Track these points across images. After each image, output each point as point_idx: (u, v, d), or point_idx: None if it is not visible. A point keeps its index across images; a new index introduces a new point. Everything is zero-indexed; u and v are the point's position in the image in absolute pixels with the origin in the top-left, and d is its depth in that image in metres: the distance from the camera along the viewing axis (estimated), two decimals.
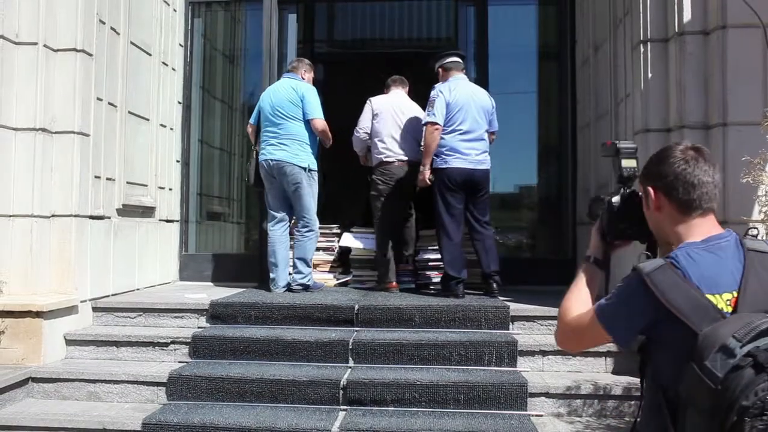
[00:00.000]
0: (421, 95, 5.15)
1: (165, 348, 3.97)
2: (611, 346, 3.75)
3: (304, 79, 5.03)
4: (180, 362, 3.91)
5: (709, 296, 1.35)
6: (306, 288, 4.79)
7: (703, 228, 1.47)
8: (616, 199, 1.72)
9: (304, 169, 4.78)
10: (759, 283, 1.37)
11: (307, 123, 4.80)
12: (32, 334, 3.76)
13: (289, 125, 4.79)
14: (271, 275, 4.85)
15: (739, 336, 1.24)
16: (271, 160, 4.77)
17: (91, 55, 4.32)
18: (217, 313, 4.23)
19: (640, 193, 1.60)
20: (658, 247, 1.62)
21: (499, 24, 6.10)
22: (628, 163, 1.70)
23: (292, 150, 4.76)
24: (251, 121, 5.06)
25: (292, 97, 4.82)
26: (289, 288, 4.82)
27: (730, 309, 1.35)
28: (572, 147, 5.70)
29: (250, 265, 5.78)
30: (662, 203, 1.51)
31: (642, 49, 3.84)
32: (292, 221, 5.05)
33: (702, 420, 1.27)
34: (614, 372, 3.75)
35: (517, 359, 3.77)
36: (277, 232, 4.89)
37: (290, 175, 4.74)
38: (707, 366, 1.25)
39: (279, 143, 4.78)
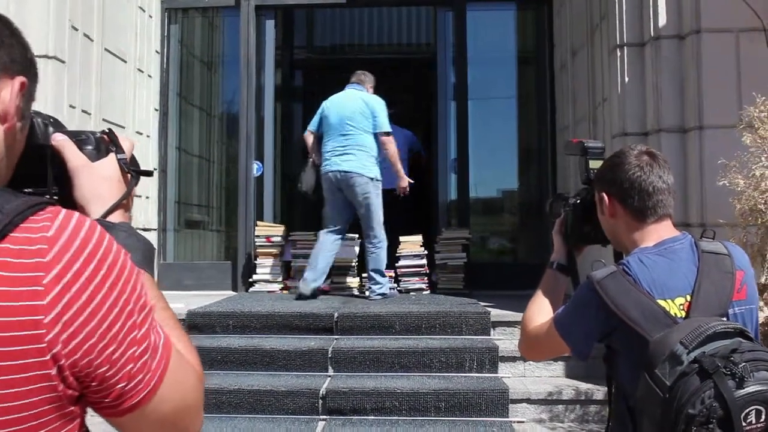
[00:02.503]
0: (398, 101, 5.16)
1: None
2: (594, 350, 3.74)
3: (369, 92, 4.97)
4: None
5: (661, 302, 1.33)
6: (384, 296, 4.73)
7: (658, 234, 1.45)
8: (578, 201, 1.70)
9: (372, 179, 4.71)
10: (712, 285, 1.35)
11: (375, 135, 4.77)
12: None
13: (359, 137, 4.73)
14: (306, 274, 4.74)
15: (686, 342, 1.22)
16: (339, 171, 4.69)
17: (63, 62, 4.25)
18: (194, 323, 4.16)
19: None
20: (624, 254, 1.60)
21: (478, 29, 6.12)
22: (595, 164, 1.67)
23: (360, 161, 4.69)
24: (311, 128, 4.97)
25: (364, 109, 4.76)
26: (313, 294, 4.71)
27: (683, 314, 1.32)
28: (552, 151, 5.71)
29: (229, 273, 5.73)
30: (617, 210, 1.49)
31: (618, 54, 3.85)
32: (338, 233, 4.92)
33: (654, 430, 1.25)
34: (595, 376, 3.73)
35: (499, 365, 3.74)
36: (330, 238, 4.81)
37: (359, 186, 4.67)
38: (657, 374, 1.23)
39: (347, 154, 4.71)
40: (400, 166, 4.82)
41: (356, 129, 4.74)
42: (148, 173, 0.97)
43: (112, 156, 0.91)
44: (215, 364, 3.79)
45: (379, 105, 4.80)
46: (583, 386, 3.56)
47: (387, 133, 4.75)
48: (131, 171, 0.92)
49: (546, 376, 3.76)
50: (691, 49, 3.55)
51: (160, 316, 0.82)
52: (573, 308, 1.49)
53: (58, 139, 0.87)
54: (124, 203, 0.90)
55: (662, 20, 3.61)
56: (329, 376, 3.71)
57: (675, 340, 1.25)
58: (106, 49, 4.86)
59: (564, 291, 1.74)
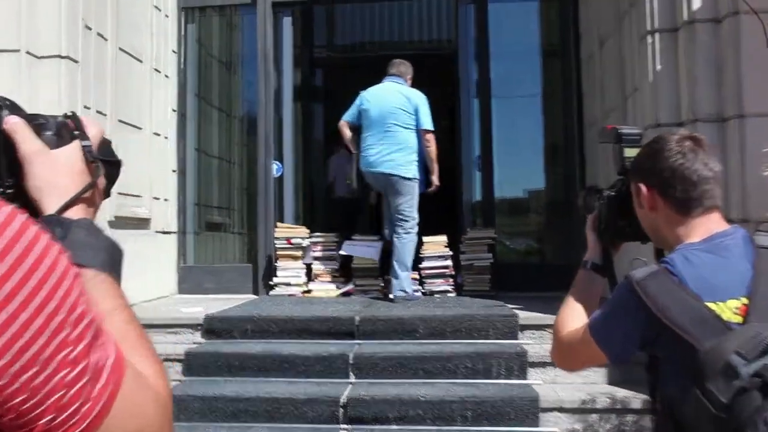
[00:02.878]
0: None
1: None
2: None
3: (408, 83, 4.79)
4: (173, 381, 3.72)
5: (710, 304, 1.16)
6: (405, 294, 4.57)
7: (705, 227, 1.28)
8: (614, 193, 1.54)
9: (411, 179, 4.60)
10: None
11: (417, 132, 4.60)
12: None
13: (400, 135, 4.57)
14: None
15: (744, 352, 1.05)
16: (381, 173, 4.59)
17: (76, 61, 4.17)
18: (212, 327, 4.06)
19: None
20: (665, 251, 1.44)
21: (501, 22, 5.93)
22: (631, 153, 1.51)
23: (399, 160, 4.56)
24: (348, 119, 4.79)
25: (406, 105, 4.60)
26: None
27: (738, 318, 1.15)
28: (580, 146, 5.50)
29: (250, 276, 5.63)
30: (657, 203, 1.33)
31: (649, 40, 3.65)
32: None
33: None
34: (632, 381, 3.53)
35: (528, 371, 3.56)
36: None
37: (401, 186, 4.58)
38: (710, 389, 1.06)
39: (387, 153, 4.58)
40: (437, 166, 4.68)
41: (398, 126, 4.58)
42: (117, 164, 0.82)
43: (75, 143, 0.77)
44: (233, 370, 3.68)
45: (422, 100, 4.63)
46: (620, 393, 3.36)
47: (430, 131, 4.60)
48: (97, 160, 0.78)
49: (578, 383, 3.56)
50: (728, 33, 3.33)
51: (119, 329, 0.67)
52: (610, 312, 1.33)
53: (11, 123, 0.73)
54: (87, 197, 0.76)
55: (697, 3, 3.39)
56: (350, 383, 3.56)
57: (730, 350, 1.08)
58: (120, 49, 4.78)
59: (600, 293, 1.58)
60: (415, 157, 4.62)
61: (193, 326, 4.12)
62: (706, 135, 3.39)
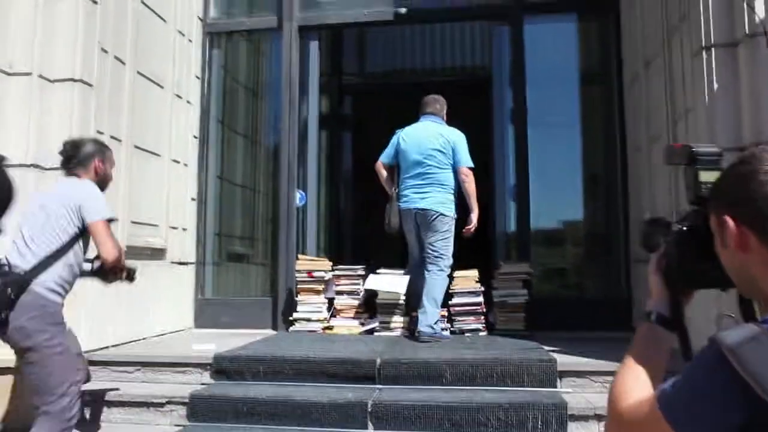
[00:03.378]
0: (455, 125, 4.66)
1: (160, 409, 3.50)
2: None
3: (444, 120, 4.74)
4: (176, 426, 3.42)
5: None
6: (433, 332, 4.32)
7: None
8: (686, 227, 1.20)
9: (448, 216, 4.52)
10: None
11: (454, 170, 4.55)
12: (4, 391, 3.34)
13: (438, 175, 4.54)
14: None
15: None
16: (418, 209, 4.54)
17: (90, 85, 4.00)
18: (221, 367, 3.76)
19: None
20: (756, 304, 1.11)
21: (537, 44, 5.63)
22: (709, 177, 1.18)
23: (438, 198, 4.52)
24: (385, 160, 4.75)
25: (445, 146, 4.55)
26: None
27: None
28: (623, 176, 5.11)
29: (269, 310, 5.34)
30: (749, 240, 1.01)
31: (705, 56, 3.29)
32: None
33: None
34: None
35: (568, 425, 3.15)
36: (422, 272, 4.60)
37: (438, 223, 4.50)
38: None
39: (425, 192, 4.55)
40: (476, 204, 4.53)
41: (436, 167, 4.54)
42: None
43: None
44: (241, 416, 3.35)
45: (460, 139, 4.58)
46: None
47: (470, 168, 4.54)
48: None
49: None
50: None
51: None
52: (690, 386, 0.99)
53: None
54: None
55: (761, 13, 3.03)
56: None
57: None
58: (139, 73, 4.62)
59: (668, 354, 1.23)
60: (452, 196, 4.57)
61: (202, 366, 3.83)
62: None
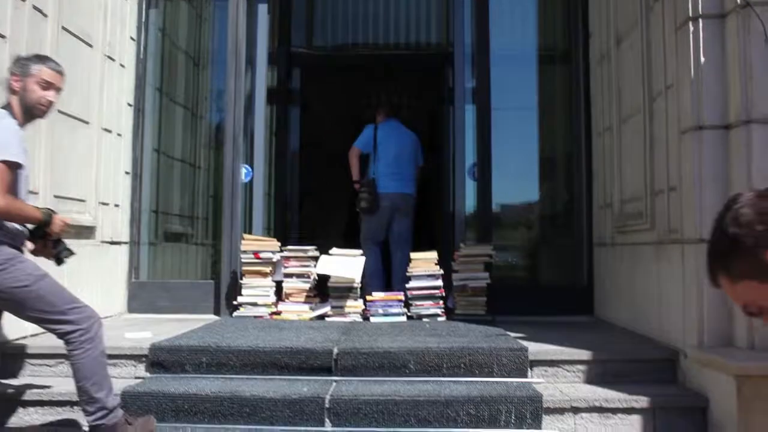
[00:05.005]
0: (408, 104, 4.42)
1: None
2: (661, 400, 2.95)
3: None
4: None
5: None
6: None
7: None
8: None
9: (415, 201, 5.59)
10: None
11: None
12: None
13: (409, 167, 5.56)
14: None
15: None
16: (400, 193, 5.43)
17: (3, 36, 3.48)
18: (159, 359, 3.35)
19: None
20: None
21: (500, 19, 5.38)
22: None
23: (410, 186, 5.54)
24: (361, 147, 5.54)
25: (414, 145, 5.64)
26: None
27: None
28: (587, 156, 4.93)
29: (211, 293, 4.93)
30: None
31: (691, 28, 3.08)
32: None
33: None
34: None
35: (542, 418, 2.93)
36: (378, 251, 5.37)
37: (411, 207, 5.53)
38: None
39: (401, 180, 5.47)
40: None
41: (408, 161, 5.56)
42: None
43: None
44: (181, 415, 2.97)
45: (419, 141, 5.74)
46: None
47: (420, 168, 5.70)
48: None
49: None
50: None
51: None
52: None
53: None
54: None
55: None
56: None
57: None
58: (64, 29, 4.09)
59: None
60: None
61: (136, 357, 3.42)
62: (762, 139, 2.85)
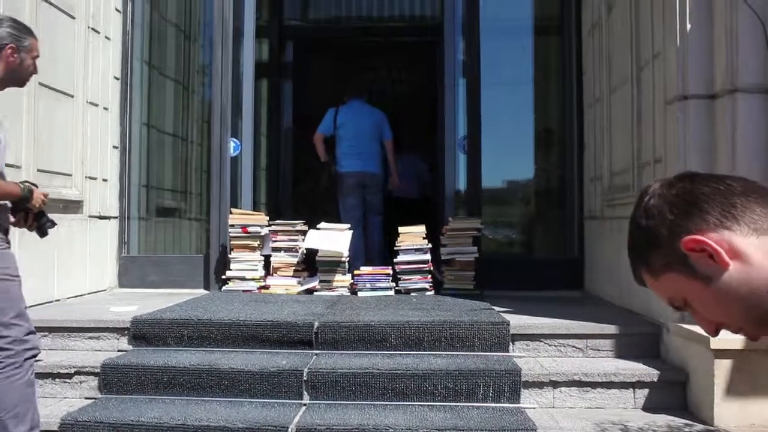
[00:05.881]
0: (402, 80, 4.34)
1: (68, 381, 3.08)
2: (641, 375, 2.93)
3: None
4: (86, 399, 3.02)
5: None
6: None
7: None
8: None
9: (383, 176, 5.74)
10: None
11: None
12: None
13: (371, 145, 5.64)
14: None
15: None
16: (362, 171, 5.57)
17: None
18: (141, 332, 3.36)
19: None
20: None
21: None
22: None
23: (375, 162, 5.65)
24: (324, 132, 5.68)
25: (376, 123, 5.69)
26: None
27: None
28: (579, 129, 4.86)
29: (201, 268, 4.92)
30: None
31: None
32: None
33: None
34: (646, 408, 2.91)
35: (521, 392, 2.92)
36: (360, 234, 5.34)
37: (377, 185, 5.68)
38: None
39: (363, 158, 5.57)
40: (396, 167, 5.80)
41: (372, 140, 5.64)
42: None
43: None
44: (161, 387, 2.98)
45: (385, 117, 5.77)
46: (632, 423, 2.74)
47: (391, 142, 5.74)
48: None
49: (582, 407, 2.93)
50: None
51: None
52: None
53: None
54: None
55: None
56: (304, 404, 2.89)
57: None
58: None
59: None
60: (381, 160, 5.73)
61: (119, 330, 3.42)
62: (748, 109, 2.78)
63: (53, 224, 2.77)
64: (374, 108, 5.82)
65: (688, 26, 2.95)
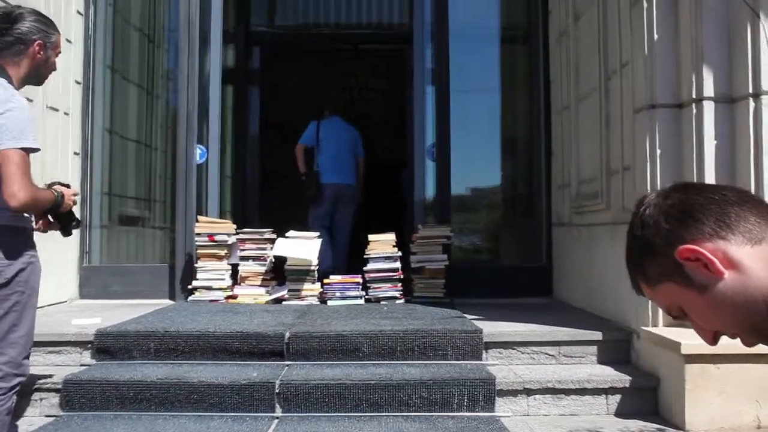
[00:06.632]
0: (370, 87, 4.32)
1: (27, 398, 2.96)
2: (614, 381, 2.95)
3: None
4: (47, 417, 2.91)
5: None
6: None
7: None
8: None
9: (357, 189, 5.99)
10: None
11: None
12: None
13: (348, 159, 5.92)
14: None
15: None
16: (341, 183, 5.81)
17: None
18: (105, 345, 3.25)
19: None
20: None
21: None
22: None
23: (351, 175, 5.91)
24: (305, 143, 5.87)
25: (354, 139, 6.01)
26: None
27: None
28: (546, 137, 4.91)
29: (166, 277, 4.81)
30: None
31: (645, 5, 3.06)
32: None
33: None
34: (619, 414, 2.93)
35: (495, 401, 2.91)
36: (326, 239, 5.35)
37: (352, 196, 5.91)
38: None
39: (343, 171, 5.84)
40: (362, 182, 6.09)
41: (349, 154, 5.95)
42: None
43: None
44: (127, 403, 2.88)
45: (359, 136, 6.11)
46: (606, 429, 2.75)
47: (363, 160, 6.08)
48: None
49: (556, 414, 2.94)
50: None
51: None
52: None
53: None
54: None
55: None
56: (276, 417, 2.83)
57: None
58: None
59: None
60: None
61: (81, 344, 3.30)
62: (712, 118, 2.84)
63: (78, 224, 2.59)
64: (351, 125, 6.07)
65: (656, 36, 3.00)
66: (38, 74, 2.33)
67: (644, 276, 0.89)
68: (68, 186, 2.46)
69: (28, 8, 2.41)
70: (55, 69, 2.41)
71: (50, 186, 2.39)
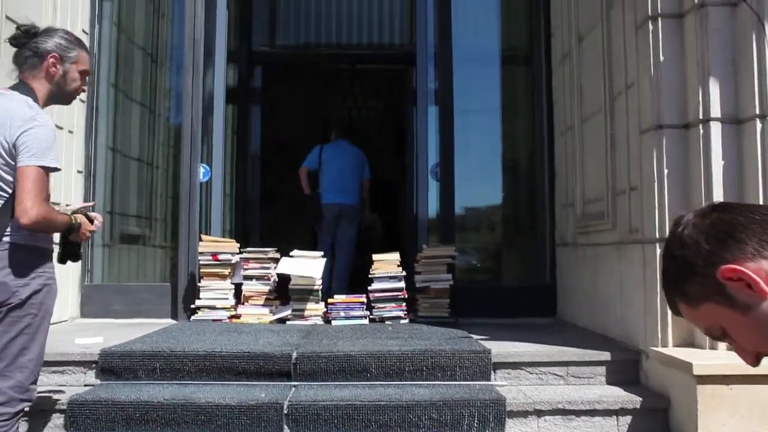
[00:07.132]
0: (369, 107, 4.36)
1: (31, 420, 2.92)
2: (624, 402, 2.93)
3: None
4: None
5: None
6: None
7: None
8: None
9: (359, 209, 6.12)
10: None
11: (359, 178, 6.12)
12: None
13: (352, 181, 6.03)
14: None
15: None
16: (342, 203, 5.93)
17: None
18: (110, 365, 3.21)
19: None
20: None
21: (463, 18, 5.35)
22: None
23: (355, 197, 6.03)
24: (309, 166, 6.01)
25: (358, 161, 6.11)
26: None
27: None
28: (549, 157, 4.93)
29: (169, 297, 4.78)
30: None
31: (651, 27, 3.09)
32: None
33: None
34: None
35: (506, 422, 2.89)
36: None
37: (354, 215, 6.03)
38: None
39: (345, 191, 5.95)
40: (368, 203, 6.34)
41: (354, 176, 6.05)
42: None
43: None
44: (132, 424, 2.85)
45: (365, 157, 6.20)
46: None
47: (369, 180, 6.20)
48: None
49: None
50: (748, 16, 2.79)
51: None
52: None
53: None
54: None
55: None
56: None
57: None
58: (8, 18, 3.91)
59: None
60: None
61: (86, 364, 3.27)
62: (719, 139, 2.86)
63: (77, 259, 2.52)
64: (356, 147, 6.17)
65: (662, 57, 3.03)
66: (61, 92, 2.33)
67: (684, 297, 0.88)
68: (92, 220, 2.43)
69: (60, 28, 2.43)
70: (81, 86, 2.39)
71: (75, 212, 2.38)
